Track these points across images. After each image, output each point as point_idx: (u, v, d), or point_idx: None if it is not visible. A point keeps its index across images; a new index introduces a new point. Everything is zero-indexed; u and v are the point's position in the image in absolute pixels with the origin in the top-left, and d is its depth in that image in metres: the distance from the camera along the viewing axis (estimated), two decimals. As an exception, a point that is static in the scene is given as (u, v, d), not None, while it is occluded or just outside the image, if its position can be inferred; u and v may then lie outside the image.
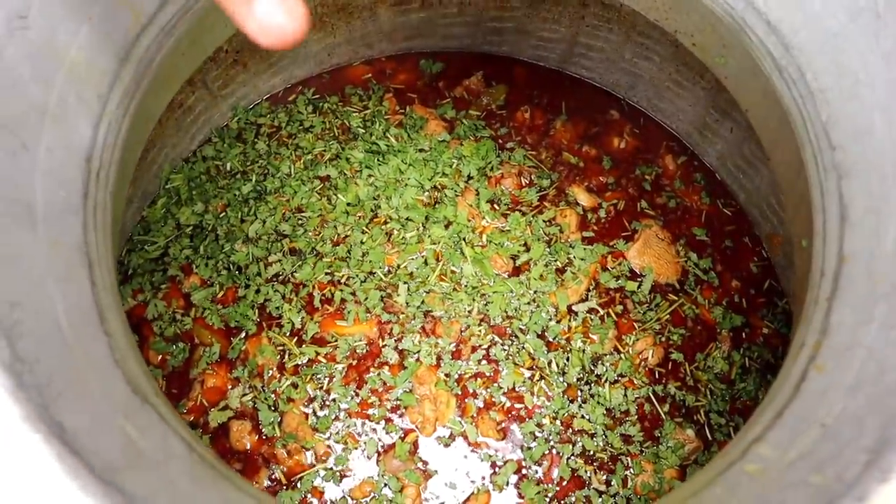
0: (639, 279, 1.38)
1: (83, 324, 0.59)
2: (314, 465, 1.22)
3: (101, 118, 0.70)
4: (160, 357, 1.29)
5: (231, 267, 1.35)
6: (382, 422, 1.26)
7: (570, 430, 1.26)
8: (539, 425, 1.26)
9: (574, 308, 1.35)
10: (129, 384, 0.59)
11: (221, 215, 1.38)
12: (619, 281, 1.38)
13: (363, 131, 1.47)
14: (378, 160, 1.43)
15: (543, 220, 1.41)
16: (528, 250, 1.38)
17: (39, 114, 0.64)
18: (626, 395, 1.29)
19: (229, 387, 1.27)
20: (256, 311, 1.32)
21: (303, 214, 1.39)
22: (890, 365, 0.60)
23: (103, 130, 0.71)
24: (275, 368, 1.29)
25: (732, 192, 1.48)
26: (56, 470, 0.48)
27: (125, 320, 0.67)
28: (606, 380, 1.30)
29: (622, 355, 1.32)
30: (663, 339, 1.34)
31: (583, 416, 1.28)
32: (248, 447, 1.24)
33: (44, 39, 0.65)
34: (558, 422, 1.27)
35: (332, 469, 1.22)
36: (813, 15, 0.73)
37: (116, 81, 0.72)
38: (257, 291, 1.33)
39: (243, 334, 1.31)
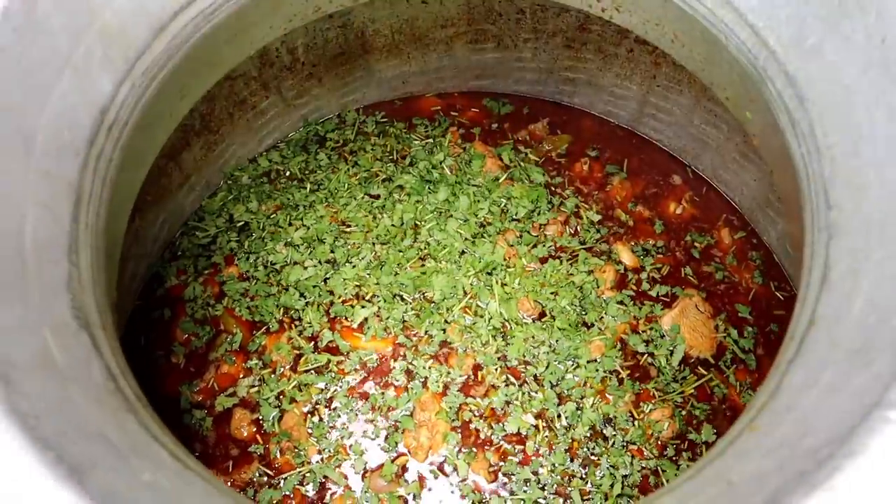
0: (669, 348, 1.32)
1: (50, 248, 0.64)
2: (301, 467, 1.23)
3: (125, 79, 0.77)
4: (186, 336, 1.35)
5: (268, 265, 1.40)
6: (377, 439, 1.25)
7: (566, 487, 1.21)
8: (535, 473, 1.22)
9: (594, 365, 1.30)
10: (73, 308, 0.62)
11: (271, 215, 1.45)
12: (648, 346, 1.32)
13: (421, 159, 1.51)
14: (429, 188, 1.46)
15: (580, 272, 1.38)
16: (558, 299, 1.35)
17: (62, 61, 0.71)
18: (632, 463, 1.23)
19: (241, 375, 1.31)
20: (282, 310, 1.36)
21: (347, 228, 1.43)
22: (812, 430, 0.54)
23: (125, 91, 0.77)
24: (287, 367, 1.31)
25: (789, 276, 1.39)
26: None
27: (102, 267, 0.71)
28: (614, 444, 1.24)
29: (636, 422, 1.26)
30: (684, 413, 1.27)
31: (582, 477, 1.22)
32: (246, 436, 1.26)
33: (81, -1, 0.73)
34: (556, 475, 1.22)
35: (317, 475, 1.22)
36: (828, 66, 0.70)
37: (147, 50, 0.79)
38: (286, 290, 1.37)
39: (265, 329, 1.35)
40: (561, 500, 1.20)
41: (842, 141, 0.68)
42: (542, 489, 1.21)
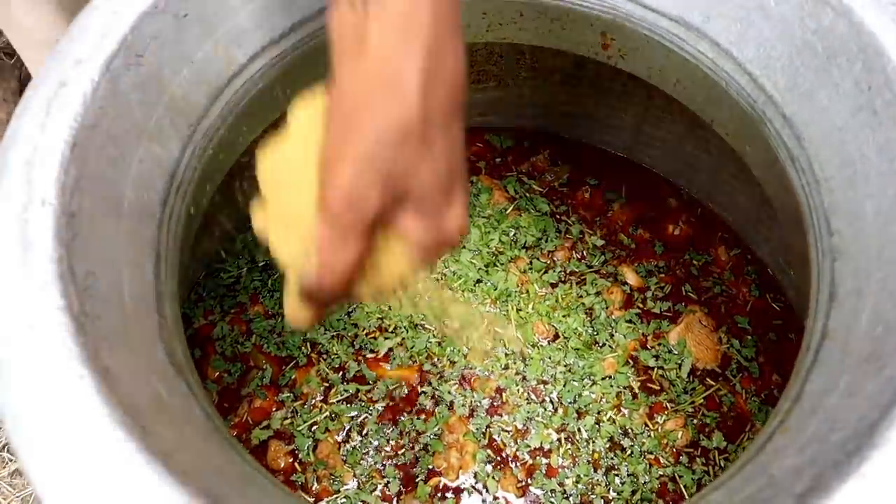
0: (677, 362, 1.41)
1: (142, 302, 0.71)
2: (338, 494, 1.29)
3: (189, 143, 0.85)
4: (217, 374, 1.41)
5: (293, 301, 1.47)
6: (408, 462, 1.32)
7: (590, 496, 1.28)
8: (561, 485, 1.29)
9: (609, 381, 1.39)
10: (168, 356, 0.69)
11: (292, 254, 1.52)
12: (658, 361, 1.41)
13: (431, 193, 1.59)
14: (441, 221, 1.54)
15: (589, 295, 1.47)
16: (570, 321, 1.44)
17: (139, 132, 0.78)
18: (650, 471, 1.31)
19: (274, 409, 1.37)
20: (309, 345, 1.43)
21: (365, 262, 1.50)
22: (838, 427, 0.63)
23: (189, 153, 0.85)
24: (318, 399, 1.38)
25: (783, 287, 1.49)
26: (94, 398, 0.59)
27: (177, 311, 0.78)
28: (632, 454, 1.32)
29: (651, 433, 1.34)
30: (695, 421, 1.35)
31: (605, 485, 1.30)
32: (283, 466, 1.32)
33: (153, 74, 0.81)
34: (581, 486, 1.29)
35: (353, 500, 1.28)
36: (821, 109, 0.80)
37: (205, 115, 0.87)
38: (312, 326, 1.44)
39: (294, 364, 1.41)
40: (587, 510, 1.27)
41: (838, 175, 0.78)
42: (568, 499, 1.29)
